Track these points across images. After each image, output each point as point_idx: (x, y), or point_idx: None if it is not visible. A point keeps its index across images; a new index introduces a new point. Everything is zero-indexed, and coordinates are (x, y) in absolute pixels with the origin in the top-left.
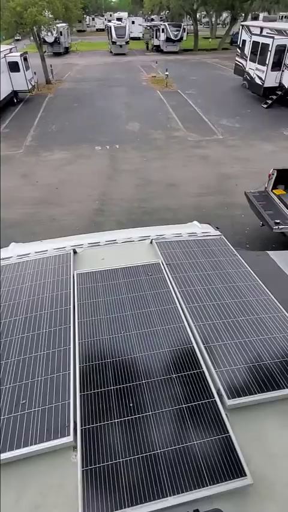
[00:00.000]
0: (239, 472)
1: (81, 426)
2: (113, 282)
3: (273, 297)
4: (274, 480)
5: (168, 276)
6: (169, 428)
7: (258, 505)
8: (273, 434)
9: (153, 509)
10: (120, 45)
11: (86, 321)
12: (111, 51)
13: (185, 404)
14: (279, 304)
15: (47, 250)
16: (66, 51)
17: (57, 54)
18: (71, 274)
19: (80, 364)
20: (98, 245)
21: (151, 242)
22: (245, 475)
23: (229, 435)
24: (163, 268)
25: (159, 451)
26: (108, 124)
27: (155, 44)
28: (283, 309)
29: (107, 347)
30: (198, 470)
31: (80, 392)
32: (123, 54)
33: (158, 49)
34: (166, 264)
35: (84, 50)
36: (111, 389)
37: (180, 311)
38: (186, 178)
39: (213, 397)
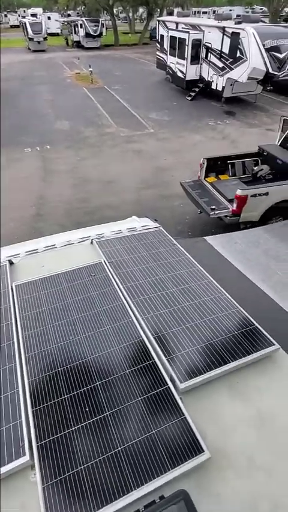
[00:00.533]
0: (197, 449)
1: (37, 443)
2: (56, 289)
3: (212, 280)
4: (229, 450)
5: (111, 274)
6: (128, 424)
7: (218, 475)
8: (224, 406)
9: (119, 507)
10: (38, 42)
11: (31, 333)
12: (29, 48)
13: (141, 397)
14: (218, 285)
15: None
16: None
17: None
18: (9, 287)
19: (28, 379)
20: (36, 252)
21: (91, 242)
22: (203, 451)
23: (185, 417)
24: (106, 267)
25: (120, 448)
26: (36, 124)
27: (75, 39)
28: (222, 290)
29: (56, 355)
30: (159, 457)
31: (32, 408)
32: (43, 50)
33: (78, 45)
34: (108, 262)
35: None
36: (64, 398)
37: (127, 307)
38: (123, 173)
39: (167, 384)
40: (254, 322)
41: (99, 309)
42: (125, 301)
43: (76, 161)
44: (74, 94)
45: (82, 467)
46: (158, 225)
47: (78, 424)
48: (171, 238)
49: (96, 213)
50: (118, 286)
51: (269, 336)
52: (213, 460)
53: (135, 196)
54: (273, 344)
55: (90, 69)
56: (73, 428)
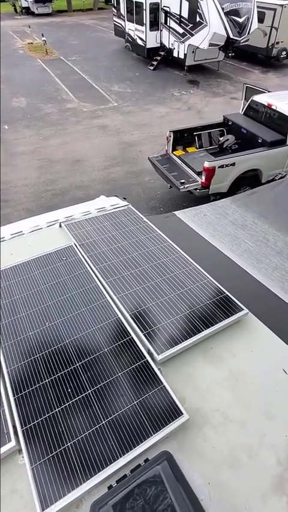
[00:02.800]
0: (177, 413)
1: (22, 428)
2: (27, 276)
3: (183, 253)
4: (206, 409)
5: (83, 256)
6: (110, 398)
7: (197, 433)
8: (200, 371)
9: (107, 474)
10: None
11: (6, 323)
12: None
13: (121, 372)
14: (189, 258)
15: None
16: None
17: None
18: None
19: (7, 368)
20: (3, 240)
21: (60, 226)
22: (182, 414)
23: (163, 386)
24: (76, 249)
25: (104, 421)
26: None
27: (23, 6)
28: (193, 262)
29: (33, 342)
30: (142, 425)
31: (14, 396)
32: None
33: (28, 11)
34: (79, 244)
35: None
36: (45, 382)
37: (101, 287)
38: (89, 151)
39: (145, 357)
40: (225, 290)
41: (73, 293)
42: (98, 283)
43: (38, 140)
44: (28, 67)
45: (69, 443)
46: (127, 203)
47: (61, 405)
48: (141, 216)
49: (65, 195)
50: (91, 268)
51: (238, 302)
52: (192, 420)
53: (104, 174)
54: (243, 309)
55: (44, 38)
56: (57, 410)
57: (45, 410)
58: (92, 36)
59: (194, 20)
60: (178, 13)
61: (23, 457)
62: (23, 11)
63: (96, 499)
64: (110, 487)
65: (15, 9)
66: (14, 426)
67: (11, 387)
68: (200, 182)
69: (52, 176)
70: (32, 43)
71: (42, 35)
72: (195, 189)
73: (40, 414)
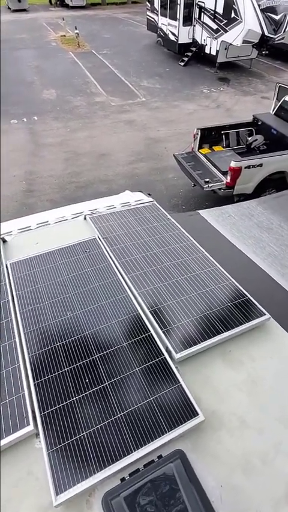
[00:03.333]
0: (192, 413)
1: (40, 413)
2: (51, 266)
3: (206, 253)
4: (222, 411)
5: (106, 249)
6: (127, 392)
7: (212, 435)
8: (218, 373)
9: (121, 466)
10: (19, 0)
11: (28, 310)
12: (9, 8)
13: (138, 367)
14: (212, 259)
15: None
16: None
17: None
18: (3, 265)
19: (29, 354)
20: (29, 229)
21: (85, 218)
22: (198, 414)
23: (180, 385)
24: (100, 242)
25: (119, 414)
26: (21, 93)
27: None
28: (216, 263)
29: (54, 331)
30: (157, 421)
31: (34, 381)
32: (24, 10)
33: (63, 4)
34: (102, 238)
35: None
36: (65, 371)
37: (123, 282)
38: (115, 146)
39: (163, 355)
40: (246, 293)
41: (95, 285)
42: (120, 277)
43: (66, 133)
44: (60, 59)
45: (84, 433)
46: (152, 199)
47: (79, 394)
48: (165, 213)
49: (88, 188)
50: (113, 262)
51: (260, 306)
52: (208, 422)
53: (128, 169)
54: (264, 314)
55: (77, 31)
56: (74, 398)
57: (63, 398)
58: (124, 30)
59: (228, 16)
60: (213, 8)
61: (39, 441)
62: (58, 2)
63: (109, 489)
64: (122, 479)
65: (50, 1)
66: (33, 411)
67: (32, 373)
68: (224, 182)
69: (77, 168)
70: (64, 36)
71: (76, 28)
72: (219, 189)
73: (58, 402)
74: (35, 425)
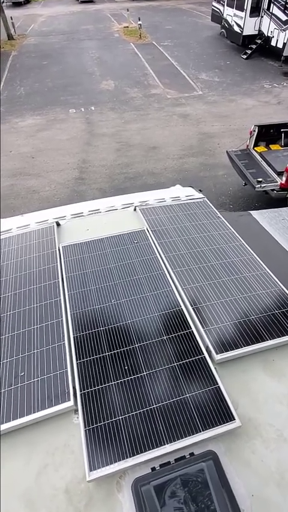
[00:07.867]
0: (228, 417)
1: (81, 391)
2: (99, 252)
3: (255, 256)
4: (260, 421)
5: (154, 242)
6: (163, 385)
7: (247, 443)
8: (258, 381)
9: (153, 456)
10: None
11: (76, 292)
12: None
13: (176, 363)
14: (261, 262)
15: (29, 225)
16: (27, 0)
17: (16, 5)
18: (57, 248)
19: (74, 334)
20: (81, 216)
21: (135, 209)
22: (234, 419)
23: (218, 386)
24: (148, 234)
25: (155, 406)
26: (81, 83)
27: None
28: (265, 267)
29: (99, 315)
30: (191, 419)
31: (77, 360)
32: (91, 1)
33: None
34: (151, 230)
35: None
36: (106, 355)
37: (168, 276)
38: (167, 139)
39: (203, 354)
40: None
41: (140, 276)
42: (165, 271)
43: (120, 124)
44: (121, 51)
45: (120, 417)
46: (203, 196)
47: (117, 380)
48: (216, 211)
49: (137, 180)
50: (160, 255)
51: None
52: (243, 428)
53: (178, 163)
54: None
55: (140, 22)
56: (113, 383)
57: (102, 380)
58: (188, 21)
59: None
60: None
61: (77, 417)
62: None
63: (139, 476)
64: (153, 469)
65: None
66: (74, 388)
67: (75, 352)
68: (279, 183)
69: (128, 160)
70: (127, 27)
71: (139, 19)
72: (273, 190)
73: (98, 383)
74: (74, 402)
